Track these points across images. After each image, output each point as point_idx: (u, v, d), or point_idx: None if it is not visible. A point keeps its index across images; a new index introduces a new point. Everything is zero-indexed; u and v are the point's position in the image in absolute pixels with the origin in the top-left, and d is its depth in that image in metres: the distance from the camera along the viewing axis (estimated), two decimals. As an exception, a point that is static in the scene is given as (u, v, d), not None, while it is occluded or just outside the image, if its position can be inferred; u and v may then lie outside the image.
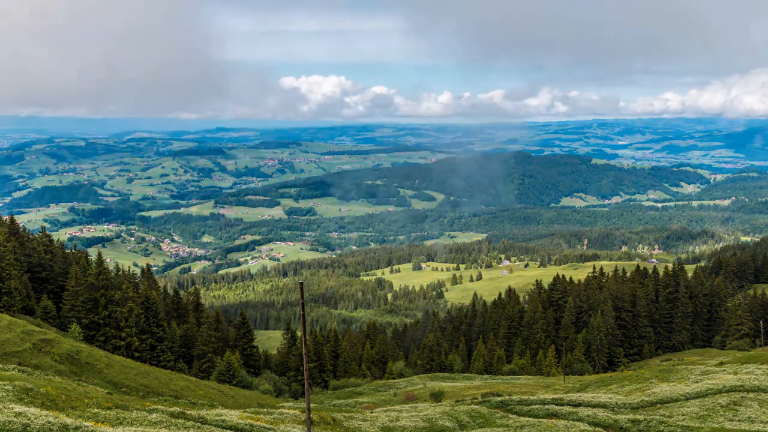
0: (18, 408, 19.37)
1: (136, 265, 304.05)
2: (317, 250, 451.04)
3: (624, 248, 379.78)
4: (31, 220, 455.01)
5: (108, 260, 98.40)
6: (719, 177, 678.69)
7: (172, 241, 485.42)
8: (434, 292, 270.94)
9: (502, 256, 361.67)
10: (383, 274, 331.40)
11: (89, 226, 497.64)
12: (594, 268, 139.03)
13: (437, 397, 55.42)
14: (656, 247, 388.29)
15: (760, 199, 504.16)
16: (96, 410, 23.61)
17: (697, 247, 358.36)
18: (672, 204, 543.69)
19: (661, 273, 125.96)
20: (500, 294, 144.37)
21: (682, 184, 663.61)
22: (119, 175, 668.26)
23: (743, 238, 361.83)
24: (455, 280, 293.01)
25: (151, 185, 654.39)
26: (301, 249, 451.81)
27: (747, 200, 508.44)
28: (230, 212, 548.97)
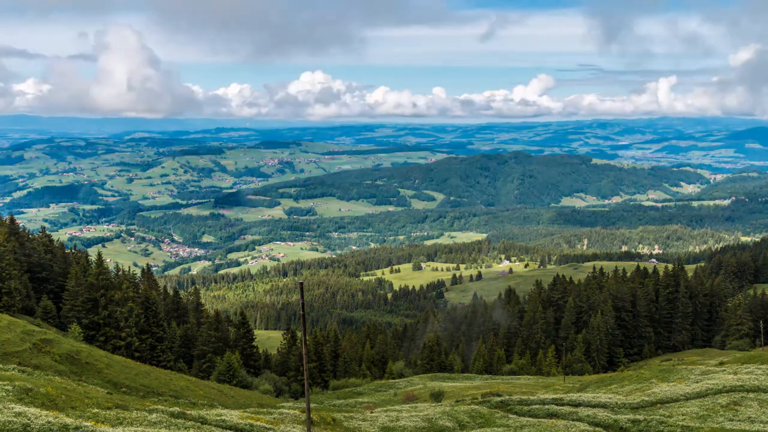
0: (18, 408, 19.37)
1: (136, 265, 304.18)
2: (317, 250, 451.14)
3: (624, 248, 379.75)
4: (31, 220, 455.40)
5: (108, 260, 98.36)
6: (719, 177, 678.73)
7: (172, 241, 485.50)
8: (434, 292, 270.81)
9: (502, 256, 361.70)
10: (383, 274, 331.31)
11: (89, 226, 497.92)
12: (594, 268, 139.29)
13: (437, 397, 55.40)
14: (656, 247, 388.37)
15: (760, 199, 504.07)
16: (96, 410, 23.61)
17: (697, 247, 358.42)
18: (672, 204, 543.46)
19: (661, 273, 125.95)
20: (500, 294, 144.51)
21: (682, 184, 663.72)
22: (119, 175, 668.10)
23: (743, 238, 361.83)
24: (455, 280, 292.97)
25: (151, 185, 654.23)
26: (301, 249, 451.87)
27: (747, 200, 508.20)
28: (230, 212, 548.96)
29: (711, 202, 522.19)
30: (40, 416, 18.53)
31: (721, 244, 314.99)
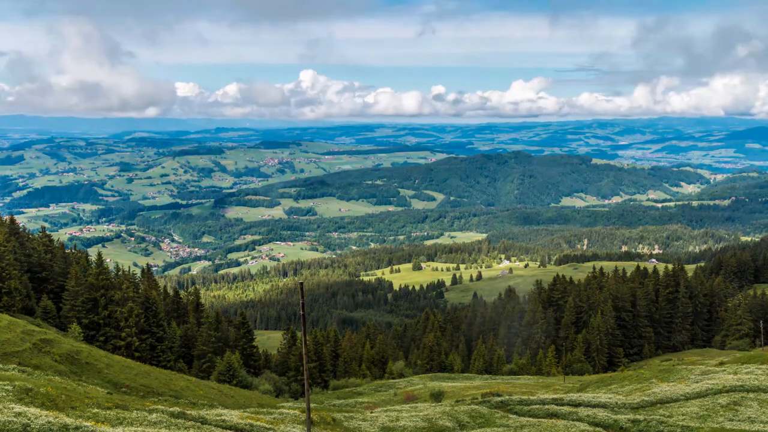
0: (18, 408, 19.36)
1: (136, 265, 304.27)
2: (317, 250, 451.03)
3: (624, 248, 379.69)
4: (31, 220, 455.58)
5: (108, 260, 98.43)
6: (719, 177, 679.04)
7: (172, 241, 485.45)
8: (434, 292, 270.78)
9: (502, 256, 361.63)
10: (383, 274, 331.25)
11: (89, 226, 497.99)
12: (594, 268, 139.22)
13: (437, 397, 55.39)
14: (656, 247, 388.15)
15: (760, 199, 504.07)
16: (96, 410, 23.60)
17: (697, 247, 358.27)
18: (672, 204, 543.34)
19: (661, 273, 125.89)
20: (500, 294, 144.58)
21: (682, 184, 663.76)
22: (119, 175, 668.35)
23: (743, 238, 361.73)
24: (455, 280, 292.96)
25: (151, 185, 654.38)
26: (301, 249, 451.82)
27: (747, 200, 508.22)
28: (230, 212, 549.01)
29: (711, 202, 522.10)
30: (40, 416, 18.52)
31: (721, 244, 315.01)
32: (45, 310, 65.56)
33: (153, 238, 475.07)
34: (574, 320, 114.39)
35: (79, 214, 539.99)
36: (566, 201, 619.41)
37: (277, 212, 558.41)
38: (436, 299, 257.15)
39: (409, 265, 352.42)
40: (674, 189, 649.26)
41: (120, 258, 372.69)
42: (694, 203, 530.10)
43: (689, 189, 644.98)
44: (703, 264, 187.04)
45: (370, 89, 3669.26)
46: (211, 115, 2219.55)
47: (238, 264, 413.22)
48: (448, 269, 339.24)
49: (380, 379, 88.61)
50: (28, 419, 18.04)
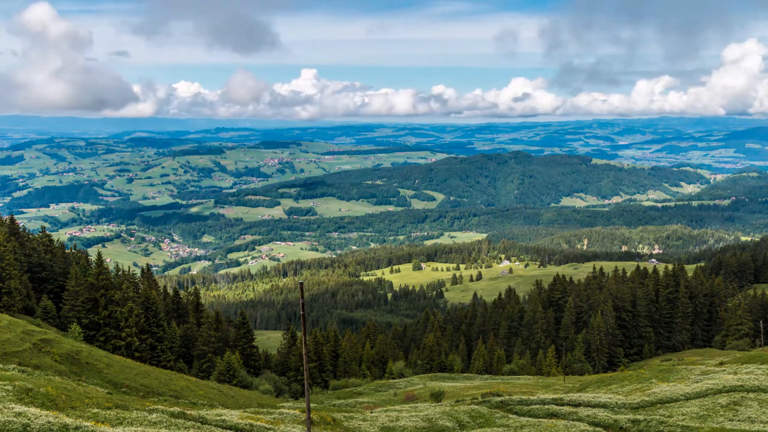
0: (18, 408, 19.37)
1: (136, 265, 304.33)
2: (317, 250, 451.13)
3: (624, 248, 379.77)
4: (31, 220, 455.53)
5: (108, 260, 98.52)
6: (719, 177, 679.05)
7: (172, 241, 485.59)
8: (434, 292, 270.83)
9: (502, 256, 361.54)
10: (383, 274, 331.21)
11: (89, 226, 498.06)
12: (594, 268, 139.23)
13: (437, 397, 55.39)
14: (656, 247, 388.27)
15: (760, 199, 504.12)
16: (96, 410, 23.60)
17: (697, 247, 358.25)
18: (672, 204, 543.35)
19: (661, 273, 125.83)
20: (500, 294, 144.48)
21: (682, 184, 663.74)
22: (119, 175, 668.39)
23: (743, 238, 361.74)
24: (455, 280, 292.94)
25: (151, 185, 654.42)
26: (301, 249, 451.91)
27: (747, 200, 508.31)
28: (230, 212, 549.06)
29: (711, 202, 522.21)
30: (40, 416, 18.53)
31: (721, 244, 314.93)
32: (45, 310, 65.53)
33: (153, 238, 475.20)
34: (574, 320, 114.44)
35: (79, 214, 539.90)
36: (566, 201, 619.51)
37: (277, 212, 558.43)
38: (436, 299, 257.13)
39: (409, 265, 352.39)
40: (674, 189, 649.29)
41: (120, 258, 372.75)
42: (694, 203, 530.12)
43: (689, 189, 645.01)
44: (703, 264, 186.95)
45: (371, 89, 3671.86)
46: (210, 115, 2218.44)
47: (238, 264, 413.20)
48: (448, 269, 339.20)
49: (380, 379, 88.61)
50: (28, 419, 18.05)
